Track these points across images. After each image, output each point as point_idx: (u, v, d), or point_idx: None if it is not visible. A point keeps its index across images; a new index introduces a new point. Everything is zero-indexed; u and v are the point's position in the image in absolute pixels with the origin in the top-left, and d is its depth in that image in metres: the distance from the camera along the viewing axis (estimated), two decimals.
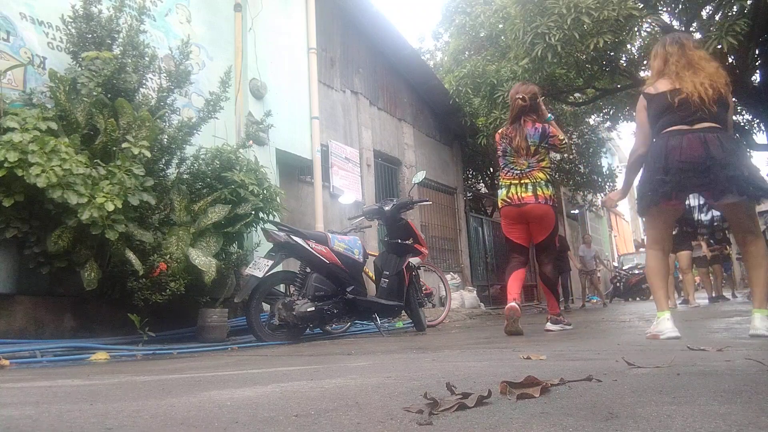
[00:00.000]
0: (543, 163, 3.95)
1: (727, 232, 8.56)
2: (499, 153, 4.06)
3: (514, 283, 3.90)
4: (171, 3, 5.25)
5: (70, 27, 3.94)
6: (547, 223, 3.96)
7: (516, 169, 3.94)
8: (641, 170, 2.93)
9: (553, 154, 4.48)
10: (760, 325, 2.57)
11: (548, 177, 3.97)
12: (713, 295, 9.39)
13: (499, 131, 4.10)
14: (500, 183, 4.11)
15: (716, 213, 2.93)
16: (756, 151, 11.22)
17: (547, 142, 3.94)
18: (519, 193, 3.89)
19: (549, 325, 3.98)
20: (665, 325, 2.72)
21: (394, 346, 3.30)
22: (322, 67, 7.19)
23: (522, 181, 3.91)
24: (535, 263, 4.39)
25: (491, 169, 13.52)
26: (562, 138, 3.99)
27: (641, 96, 2.97)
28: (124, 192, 3.39)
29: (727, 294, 10.63)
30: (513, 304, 3.69)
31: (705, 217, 2.91)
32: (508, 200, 3.93)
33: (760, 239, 2.76)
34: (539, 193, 3.86)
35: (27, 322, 3.48)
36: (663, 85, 2.84)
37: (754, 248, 2.73)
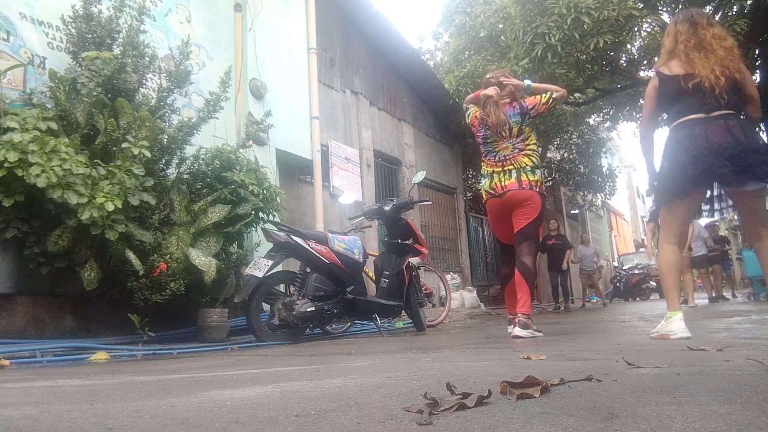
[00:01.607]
0: (528, 143, 3.61)
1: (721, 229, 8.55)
2: (480, 140, 3.73)
3: (510, 295, 3.70)
4: (171, 3, 5.25)
5: (70, 27, 3.94)
6: (529, 209, 3.53)
7: (500, 154, 3.61)
8: (662, 160, 2.84)
9: (554, 154, 4.41)
10: None
11: (534, 162, 3.60)
12: (713, 295, 9.40)
13: (475, 115, 3.73)
14: (482, 172, 3.76)
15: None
16: None
17: (530, 116, 3.62)
18: (502, 182, 3.56)
19: (517, 330, 3.36)
20: (677, 325, 2.65)
21: (394, 346, 3.30)
22: (322, 67, 7.19)
23: (505, 168, 3.57)
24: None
25: None
26: (547, 97, 3.60)
27: (654, 74, 2.90)
28: (124, 192, 3.39)
29: (727, 294, 10.63)
30: (517, 332, 3.37)
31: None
32: (492, 191, 3.61)
33: None
34: (523, 178, 3.51)
35: (27, 322, 3.48)
36: (676, 67, 2.77)
37: None
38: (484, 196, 3.72)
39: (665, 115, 2.96)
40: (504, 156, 3.60)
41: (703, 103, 2.66)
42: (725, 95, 2.61)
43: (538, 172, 3.60)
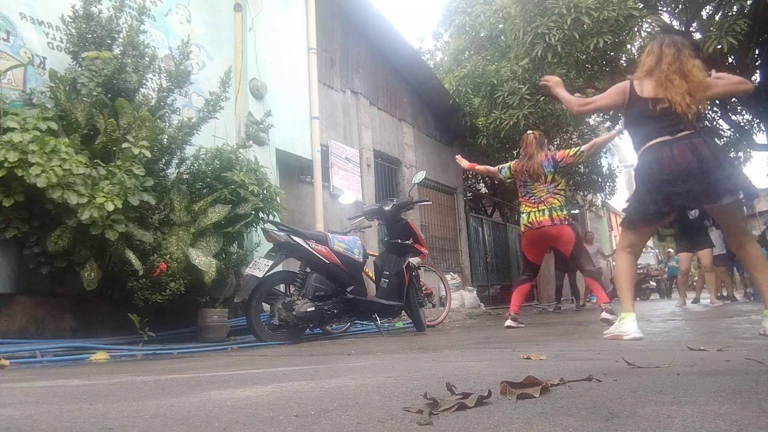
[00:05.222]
0: (559, 186, 4.62)
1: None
2: (520, 183, 4.72)
3: (518, 296, 4.69)
4: (171, 3, 5.25)
5: (70, 27, 3.94)
6: (566, 239, 4.59)
7: (535, 195, 4.61)
8: (635, 183, 2.94)
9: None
10: None
11: (561, 202, 4.61)
12: (723, 294, 9.43)
13: (517, 163, 4.76)
14: (521, 210, 4.77)
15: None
16: (756, 151, 11.22)
17: (560, 167, 4.60)
18: (537, 218, 4.56)
19: (604, 315, 4.31)
20: (630, 326, 2.72)
21: (394, 346, 3.30)
22: (322, 67, 7.19)
23: (539, 208, 4.58)
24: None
25: None
26: (575, 150, 4.62)
27: (628, 82, 2.94)
28: (124, 192, 3.39)
29: (738, 295, 10.63)
30: (510, 322, 4.56)
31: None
32: (530, 225, 4.61)
33: (754, 239, 2.80)
34: (554, 215, 4.52)
35: (27, 322, 3.47)
36: (648, 88, 2.83)
37: (752, 249, 2.74)
38: (522, 228, 4.73)
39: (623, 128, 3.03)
40: (539, 198, 4.59)
41: (668, 125, 2.73)
42: (693, 121, 2.71)
43: (564, 209, 4.62)
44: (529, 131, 4.88)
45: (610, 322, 4.00)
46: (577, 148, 4.67)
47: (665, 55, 2.85)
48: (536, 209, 4.57)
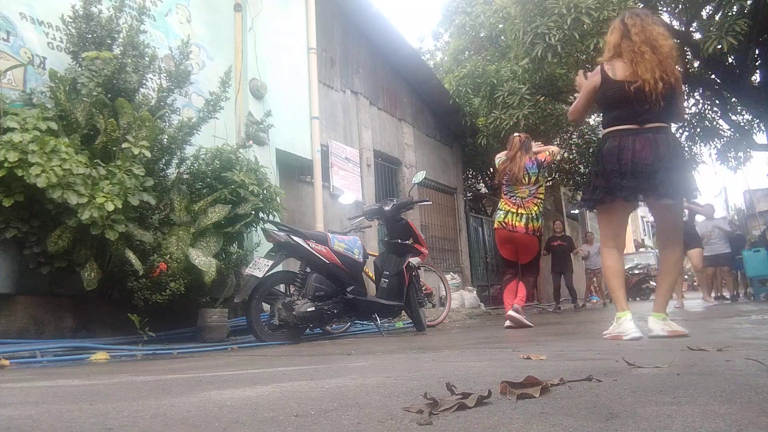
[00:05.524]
0: (540, 190, 4.73)
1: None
2: (503, 181, 4.81)
3: (509, 295, 4.75)
4: (171, 3, 5.25)
5: (70, 27, 3.94)
6: (532, 250, 4.76)
7: (517, 196, 4.69)
8: (594, 162, 2.98)
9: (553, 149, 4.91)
10: (654, 327, 2.70)
11: (539, 209, 4.71)
12: (720, 294, 9.45)
13: (501, 163, 4.84)
14: (499, 206, 4.84)
15: None
16: (756, 151, 11.22)
17: (543, 167, 4.72)
18: (513, 222, 4.65)
19: (512, 312, 4.50)
20: (628, 325, 2.72)
21: (394, 346, 3.30)
22: (322, 67, 7.19)
23: (518, 211, 4.66)
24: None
25: (491, 169, 13.51)
26: (548, 153, 4.74)
27: (598, 69, 2.92)
28: (124, 192, 3.39)
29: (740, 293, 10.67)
30: (512, 312, 4.50)
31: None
32: (504, 225, 4.72)
33: (678, 247, 2.83)
34: (530, 225, 4.64)
35: (27, 322, 3.48)
36: (620, 70, 2.79)
37: (671, 255, 2.81)
38: (495, 224, 4.85)
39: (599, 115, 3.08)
40: (521, 198, 4.66)
41: (639, 113, 2.72)
42: (661, 101, 2.69)
43: (540, 218, 4.71)
44: (515, 134, 4.96)
45: (513, 319, 4.44)
46: (550, 153, 4.83)
47: (631, 26, 2.81)
48: (515, 211, 4.66)
